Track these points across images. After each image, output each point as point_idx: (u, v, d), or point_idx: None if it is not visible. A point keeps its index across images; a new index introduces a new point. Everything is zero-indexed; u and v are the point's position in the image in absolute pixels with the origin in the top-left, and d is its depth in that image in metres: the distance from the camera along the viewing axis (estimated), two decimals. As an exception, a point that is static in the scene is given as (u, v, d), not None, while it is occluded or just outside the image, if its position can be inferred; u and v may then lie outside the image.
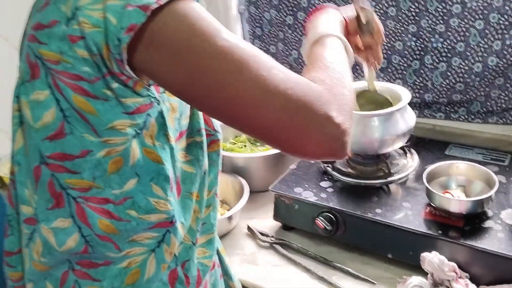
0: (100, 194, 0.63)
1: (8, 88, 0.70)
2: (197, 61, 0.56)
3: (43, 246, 0.67)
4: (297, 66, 1.50)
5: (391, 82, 1.36)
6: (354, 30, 0.89)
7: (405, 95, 1.09)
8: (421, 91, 1.33)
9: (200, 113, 0.73)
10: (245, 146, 1.36)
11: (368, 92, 1.11)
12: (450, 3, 1.20)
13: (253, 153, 1.27)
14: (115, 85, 0.58)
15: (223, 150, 1.32)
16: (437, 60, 1.28)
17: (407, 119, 1.07)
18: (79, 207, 0.64)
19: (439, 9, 1.22)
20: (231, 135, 1.41)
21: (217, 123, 0.77)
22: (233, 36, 0.57)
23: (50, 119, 0.60)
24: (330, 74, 0.63)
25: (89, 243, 0.65)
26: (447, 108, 1.33)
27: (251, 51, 0.57)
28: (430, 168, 1.01)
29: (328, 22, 0.80)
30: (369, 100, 1.15)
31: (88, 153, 0.61)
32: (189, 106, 0.70)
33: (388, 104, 1.10)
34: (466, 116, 1.30)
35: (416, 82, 1.33)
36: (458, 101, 1.30)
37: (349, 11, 0.89)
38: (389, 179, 1.08)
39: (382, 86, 1.16)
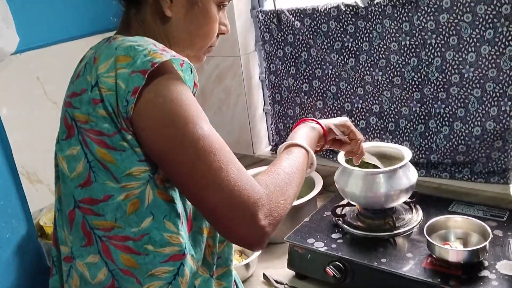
0: (121, 233, 0.75)
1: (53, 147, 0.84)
2: (174, 137, 0.69)
3: (80, 280, 0.79)
4: (313, 128, 1.63)
5: (399, 143, 1.47)
6: (332, 138, 1.04)
7: (407, 154, 1.20)
8: (427, 152, 1.44)
9: None
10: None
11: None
12: (449, 73, 1.33)
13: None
14: (129, 137, 0.71)
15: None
16: (440, 124, 1.40)
17: (410, 176, 1.17)
18: (104, 244, 0.76)
19: (439, 79, 1.35)
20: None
21: None
22: (208, 127, 0.71)
23: (81, 169, 0.74)
24: (277, 182, 0.75)
25: (115, 277, 0.76)
26: (452, 168, 1.43)
27: (218, 145, 0.70)
28: (431, 221, 1.10)
29: (307, 134, 0.95)
30: (376, 156, 1.28)
31: (110, 197, 0.73)
32: None
33: (393, 158, 1.24)
34: (470, 176, 1.39)
35: (422, 144, 1.44)
36: (462, 162, 1.40)
37: (331, 123, 1.03)
38: (395, 232, 1.17)
39: (387, 146, 1.28)
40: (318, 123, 0.99)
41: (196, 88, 0.78)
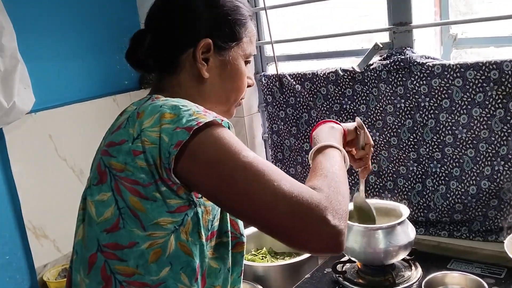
0: (141, 279, 0.78)
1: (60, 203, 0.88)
2: (223, 172, 0.74)
3: None
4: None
5: (398, 202, 1.51)
6: (351, 140, 1.08)
7: (405, 211, 1.24)
8: (425, 211, 1.47)
9: (228, 217, 0.89)
10: (265, 257, 1.49)
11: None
12: (443, 134, 1.39)
13: (272, 262, 1.40)
14: (163, 188, 0.76)
15: (246, 259, 1.46)
16: (437, 183, 1.44)
17: (408, 232, 1.21)
18: None
19: (434, 139, 1.41)
20: (253, 247, 1.56)
21: (242, 228, 0.92)
22: (252, 153, 0.75)
23: (109, 215, 0.78)
24: (328, 183, 0.78)
25: None
26: (450, 227, 1.46)
27: (265, 165, 0.74)
28: (428, 278, 1.12)
29: (330, 134, 0.98)
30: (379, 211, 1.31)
31: (135, 244, 0.77)
32: (219, 210, 0.87)
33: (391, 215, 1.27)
34: (468, 234, 1.42)
35: (420, 203, 1.48)
36: (460, 221, 1.43)
37: (349, 125, 1.08)
38: (394, 288, 1.19)
39: (386, 204, 1.32)
40: (336, 123, 1.03)
41: None
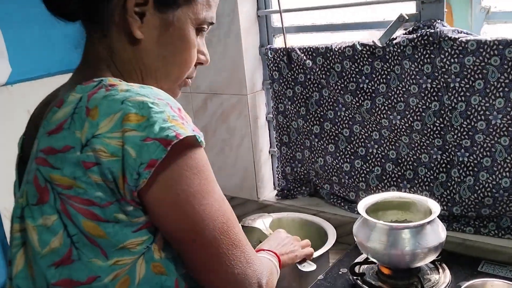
0: None
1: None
2: (190, 218, 0.61)
3: None
4: (323, 173, 1.52)
5: (417, 193, 1.36)
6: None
7: (434, 207, 1.09)
8: (449, 204, 1.33)
9: None
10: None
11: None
12: (474, 119, 1.24)
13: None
14: (129, 208, 0.60)
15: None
16: (464, 174, 1.29)
17: (439, 232, 1.06)
18: None
19: (464, 125, 1.25)
20: (256, 241, 1.40)
21: None
22: (222, 199, 0.67)
23: (57, 245, 0.60)
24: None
25: None
26: (476, 223, 1.32)
27: (233, 221, 0.68)
28: (465, 285, 0.98)
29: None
30: (399, 206, 1.17)
31: (95, 279, 0.60)
32: None
33: (417, 210, 1.12)
34: (496, 232, 1.28)
35: (443, 195, 1.33)
36: (487, 216, 1.29)
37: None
38: (422, 296, 1.04)
39: (411, 197, 1.17)
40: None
41: None
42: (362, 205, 1.13)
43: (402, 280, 1.09)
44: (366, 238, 1.08)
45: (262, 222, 1.36)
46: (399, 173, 1.40)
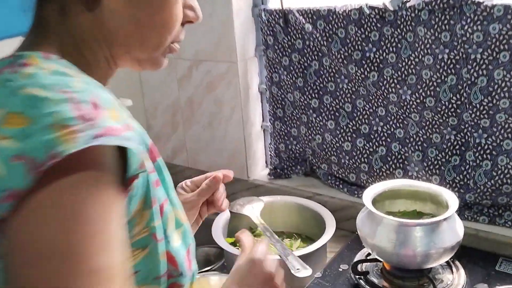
0: None
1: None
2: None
3: None
4: (321, 152, 1.37)
5: (426, 177, 1.22)
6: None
7: (452, 199, 0.95)
8: (461, 190, 1.19)
9: (159, 256, 0.55)
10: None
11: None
12: (497, 97, 1.08)
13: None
14: None
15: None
16: (480, 158, 1.15)
17: (457, 230, 0.92)
18: None
19: (484, 103, 1.10)
20: (246, 226, 1.26)
21: (185, 265, 0.58)
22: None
23: None
24: None
25: None
26: (490, 211, 1.18)
27: None
28: (487, 293, 0.85)
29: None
30: (408, 195, 1.03)
31: None
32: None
33: (429, 200, 0.98)
34: (514, 222, 1.15)
35: (455, 180, 1.19)
36: (504, 204, 1.15)
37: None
38: (434, 301, 0.91)
39: (423, 187, 1.03)
40: None
41: (144, 168, 0.50)
42: (368, 195, 0.99)
43: (410, 281, 0.96)
44: (371, 233, 0.94)
45: (251, 209, 1.21)
46: (406, 155, 1.25)
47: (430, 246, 0.89)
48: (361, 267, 1.02)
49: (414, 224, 0.90)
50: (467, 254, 1.05)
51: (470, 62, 1.09)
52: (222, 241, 1.12)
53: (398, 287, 0.96)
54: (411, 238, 0.89)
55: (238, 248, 1.17)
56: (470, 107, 1.12)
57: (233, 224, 1.23)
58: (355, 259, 1.04)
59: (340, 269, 1.04)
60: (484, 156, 1.14)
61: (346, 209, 1.32)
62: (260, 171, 1.52)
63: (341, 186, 1.37)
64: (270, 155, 1.49)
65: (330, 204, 1.33)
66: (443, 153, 1.20)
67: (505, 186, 1.12)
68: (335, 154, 1.34)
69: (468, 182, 1.18)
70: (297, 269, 0.96)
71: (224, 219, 1.22)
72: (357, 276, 0.99)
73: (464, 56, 1.09)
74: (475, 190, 1.17)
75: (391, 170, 1.27)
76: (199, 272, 1.25)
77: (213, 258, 1.34)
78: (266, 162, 1.54)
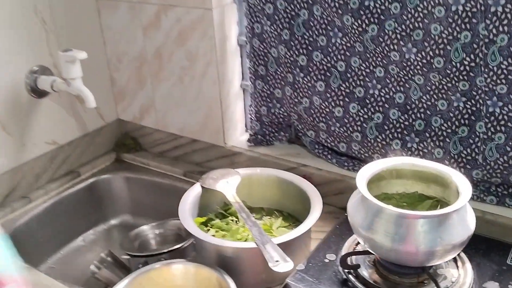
0: None
1: None
2: None
3: None
4: (308, 118, 1.19)
5: (428, 150, 1.06)
6: None
7: (463, 184, 0.79)
8: (467, 166, 1.03)
9: None
10: (235, 221, 1.04)
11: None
12: (519, 59, 0.90)
13: (244, 242, 0.95)
14: None
15: (205, 231, 1.01)
16: (493, 129, 0.98)
17: (467, 223, 0.77)
18: None
19: (503, 66, 0.92)
20: (220, 203, 1.10)
21: None
22: None
23: None
24: None
25: None
26: (499, 190, 1.03)
27: None
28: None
29: None
30: (409, 175, 0.87)
31: None
32: None
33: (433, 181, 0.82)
34: (526, 204, 1.00)
35: (462, 154, 1.03)
36: (516, 183, 1.01)
37: None
38: (437, 304, 0.77)
39: (425, 166, 0.86)
40: None
41: None
42: (363, 176, 0.82)
43: (408, 277, 0.82)
44: (365, 224, 0.78)
45: (226, 184, 1.05)
46: (406, 123, 1.08)
47: (436, 242, 0.73)
48: (351, 260, 0.86)
49: (418, 216, 0.74)
50: (473, 243, 0.90)
51: (489, 16, 0.90)
52: (189, 223, 0.96)
53: (394, 283, 0.82)
54: (413, 232, 0.74)
55: (209, 229, 1.01)
56: (486, 70, 0.94)
57: (204, 201, 1.07)
58: (344, 250, 0.89)
59: (326, 260, 0.89)
60: (498, 128, 0.98)
61: (335, 182, 1.16)
62: (238, 137, 1.34)
63: (329, 156, 1.21)
64: (250, 119, 1.31)
65: (317, 176, 1.17)
66: (449, 123, 1.03)
67: (520, 163, 0.97)
68: (324, 120, 1.17)
69: (477, 157, 1.02)
70: (276, 261, 0.81)
71: (194, 195, 1.05)
72: (346, 271, 0.84)
73: (482, 8, 0.90)
74: (484, 166, 1.01)
75: (387, 140, 1.10)
76: (163, 254, 1.10)
77: (185, 234, 1.18)
78: (246, 126, 1.36)
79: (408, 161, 0.87)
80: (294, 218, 1.09)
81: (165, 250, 1.14)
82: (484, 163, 1.01)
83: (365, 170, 0.85)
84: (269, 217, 1.10)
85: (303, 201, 1.05)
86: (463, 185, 0.79)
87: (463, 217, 0.76)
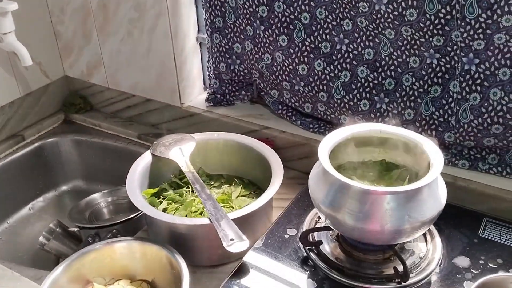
0: None
1: None
2: None
3: None
4: (270, 76, 1.09)
5: (398, 111, 0.98)
6: None
7: (434, 155, 0.71)
8: (439, 128, 0.96)
9: None
10: (191, 191, 0.95)
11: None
12: (499, 11, 0.81)
13: (198, 217, 0.87)
14: None
15: (158, 204, 0.92)
16: (467, 89, 0.90)
17: (438, 196, 0.70)
18: None
19: (481, 19, 0.83)
20: (175, 170, 1.01)
21: None
22: None
23: None
24: None
25: None
26: (471, 153, 0.97)
27: None
28: (477, 283, 0.65)
29: None
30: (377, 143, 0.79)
31: None
32: None
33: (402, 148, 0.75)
34: (500, 169, 0.94)
35: (434, 116, 0.96)
36: (490, 147, 0.94)
37: None
38: (404, 284, 0.71)
39: (398, 135, 0.78)
40: None
41: None
42: (326, 146, 0.74)
43: (373, 254, 0.76)
44: (326, 200, 0.71)
45: (179, 151, 0.96)
46: (375, 82, 0.99)
47: (404, 220, 0.66)
48: (313, 236, 0.80)
49: (384, 192, 0.67)
50: (443, 213, 0.83)
51: (470, -39, 0.80)
52: (137, 197, 0.87)
53: (358, 260, 0.76)
54: (379, 210, 0.66)
55: (161, 201, 0.93)
56: (463, 23, 0.85)
57: (157, 170, 0.97)
58: (306, 225, 0.82)
59: (286, 235, 0.82)
60: (473, 87, 0.90)
61: (299, 146, 1.08)
62: (196, 96, 1.24)
63: (293, 118, 1.12)
64: (209, 76, 1.20)
65: (280, 139, 1.09)
66: (421, 82, 0.95)
67: (495, 126, 0.90)
68: (287, 78, 1.07)
69: (449, 119, 0.94)
70: (231, 239, 0.74)
71: (145, 164, 0.96)
72: (307, 247, 0.77)
73: (462, -48, 0.80)
74: (457, 129, 0.94)
75: (355, 101, 1.02)
76: (115, 225, 1.01)
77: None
78: (204, 84, 1.26)
79: (375, 128, 0.79)
80: (255, 186, 1.01)
81: (117, 222, 1.06)
82: (457, 126, 0.94)
83: (328, 139, 0.76)
84: (228, 185, 1.02)
85: (264, 168, 0.96)
86: (435, 155, 0.71)
87: (434, 191, 0.69)
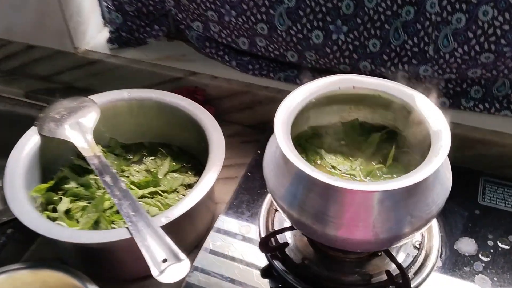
0: None
1: None
2: None
3: None
4: (190, 3, 0.82)
5: (360, 42, 0.76)
6: None
7: (440, 124, 0.51)
8: (413, 61, 0.76)
9: None
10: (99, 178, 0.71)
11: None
12: None
13: (112, 231, 0.63)
14: None
15: (57, 201, 0.68)
16: (449, 8, 0.69)
17: (446, 176, 0.51)
18: None
19: None
20: (73, 148, 0.75)
21: None
22: None
23: None
24: None
25: None
26: (449, 87, 0.79)
27: None
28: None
29: None
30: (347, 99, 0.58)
31: None
32: None
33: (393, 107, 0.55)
34: (488, 105, 0.77)
35: (406, 46, 0.75)
36: (473, 78, 0.76)
37: None
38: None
39: (376, 89, 0.57)
40: None
41: None
42: (283, 120, 0.51)
43: (356, 252, 0.57)
44: (293, 201, 0.50)
45: (76, 127, 0.70)
46: (329, 6, 0.75)
47: (404, 223, 0.47)
48: (275, 240, 0.59)
49: (377, 191, 0.46)
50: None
51: None
52: (22, 204, 0.62)
53: (336, 262, 0.57)
54: (370, 214, 0.46)
55: (61, 198, 0.69)
56: None
57: (50, 153, 0.71)
58: (263, 219, 0.62)
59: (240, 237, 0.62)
60: (457, 5, 0.69)
61: (238, 94, 0.85)
62: (94, 36, 0.94)
63: (226, 57, 0.87)
64: (107, 8, 0.90)
65: (213, 88, 0.85)
66: (388, 2, 0.72)
67: (485, 54, 0.71)
68: (213, 7, 0.80)
69: (426, 48, 0.74)
70: (163, 261, 0.53)
71: (31, 149, 0.69)
72: (270, 255, 0.58)
73: None
74: (436, 60, 0.74)
75: (304, 32, 0.78)
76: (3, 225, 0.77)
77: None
78: (103, 19, 0.95)
79: (345, 78, 0.57)
80: (187, 155, 0.78)
81: (12, 217, 0.81)
82: (436, 56, 0.73)
83: (286, 106, 0.53)
84: (152, 157, 0.78)
85: (195, 129, 0.73)
86: (438, 120, 0.51)
87: (442, 173, 0.50)
